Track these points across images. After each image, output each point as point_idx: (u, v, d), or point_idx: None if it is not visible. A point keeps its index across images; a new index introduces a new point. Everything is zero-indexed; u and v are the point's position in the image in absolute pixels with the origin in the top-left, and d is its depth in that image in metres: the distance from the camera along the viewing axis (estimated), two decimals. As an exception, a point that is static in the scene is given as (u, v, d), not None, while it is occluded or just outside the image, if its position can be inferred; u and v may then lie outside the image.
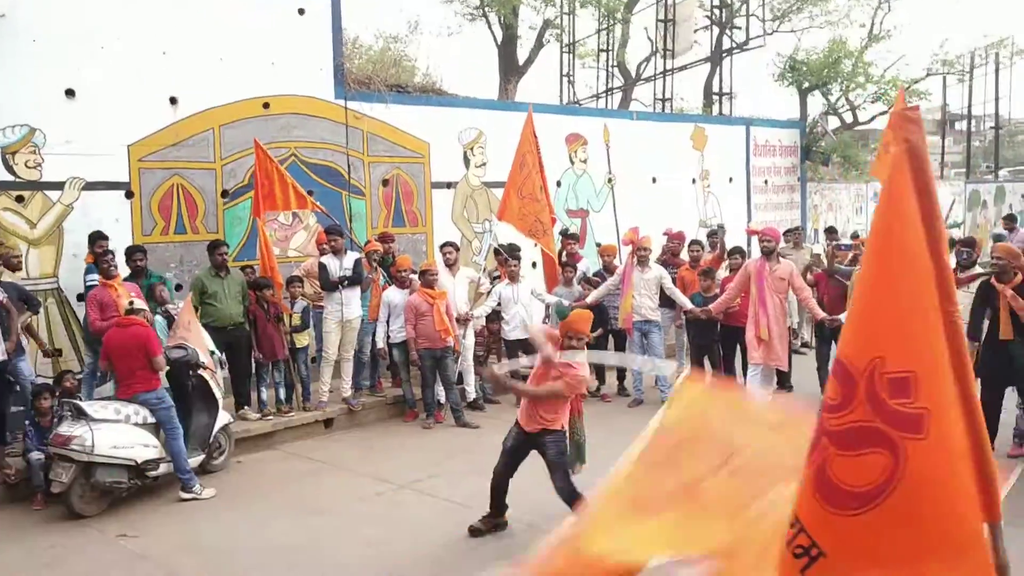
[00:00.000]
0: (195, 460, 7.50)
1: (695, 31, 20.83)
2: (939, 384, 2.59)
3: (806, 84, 23.80)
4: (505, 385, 6.22)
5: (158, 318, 8.25)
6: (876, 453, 2.65)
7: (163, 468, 7.16)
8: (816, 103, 25.24)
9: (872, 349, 2.69)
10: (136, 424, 7.02)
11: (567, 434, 6.13)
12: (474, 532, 6.15)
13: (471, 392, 10.03)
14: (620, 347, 10.74)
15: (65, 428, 6.73)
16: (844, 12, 23.75)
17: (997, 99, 25.63)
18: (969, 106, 26.69)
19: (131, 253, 8.44)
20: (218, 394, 7.88)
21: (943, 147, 31.21)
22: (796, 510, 2.82)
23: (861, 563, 2.73)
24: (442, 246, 10.15)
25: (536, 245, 10.64)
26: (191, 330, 7.80)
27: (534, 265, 11.87)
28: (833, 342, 9.19)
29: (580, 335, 5.87)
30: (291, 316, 9.11)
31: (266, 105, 10.12)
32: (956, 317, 2.61)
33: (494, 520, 6.23)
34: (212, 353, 8.03)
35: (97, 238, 8.37)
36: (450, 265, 9.91)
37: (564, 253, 11.10)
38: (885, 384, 2.63)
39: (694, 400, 4.09)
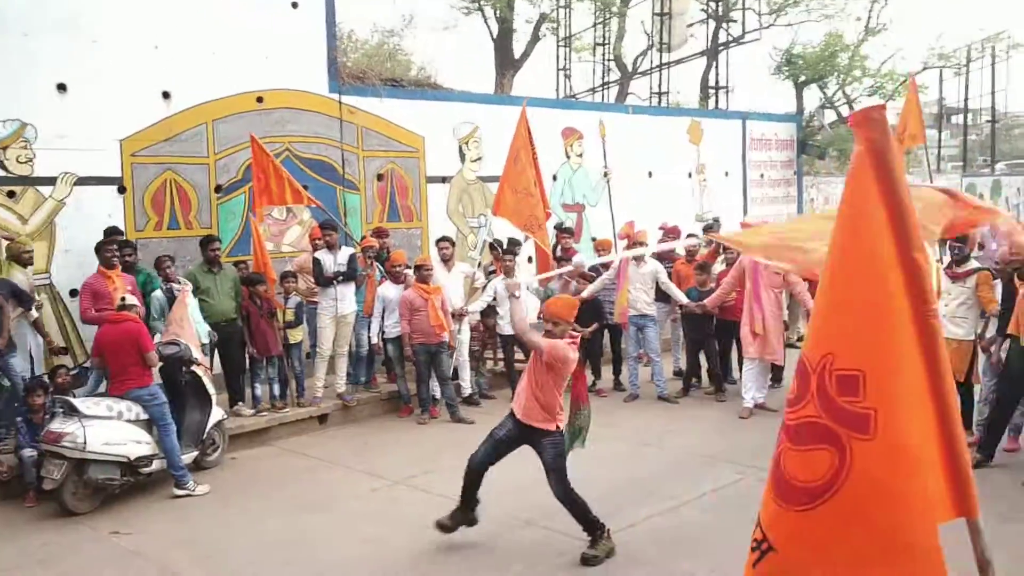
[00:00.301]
0: (188, 456, 7.46)
1: (690, 25, 20.78)
2: (890, 385, 2.57)
3: (802, 78, 23.77)
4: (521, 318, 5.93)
5: (158, 293, 8.20)
6: (823, 449, 2.66)
7: (156, 465, 7.13)
8: (812, 97, 25.24)
9: (825, 345, 2.70)
10: (129, 421, 6.98)
11: (569, 421, 5.91)
12: (442, 527, 5.79)
13: (466, 387, 10.00)
14: (616, 341, 10.73)
15: (57, 425, 6.68)
16: (841, 5, 23.73)
17: (993, 93, 25.59)
18: (965, 100, 26.65)
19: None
20: (211, 390, 7.84)
21: (940, 140, 31.19)
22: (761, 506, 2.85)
23: (808, 560, 2.74)
24: (438, 241, 10.12)
25: (527, 239, 10.58)
26: (184, 326, 7.76)
27: (530, 260, 11.83)
28: None
29: (559, 320, 5.70)
30: (285, 312, 9.07)
31: (260, 99, 10.07)
32: (930, 316, 2.58)
33: (464, 515, 5.83)
34: (204, 346, 8.00)
35: (112, 233, 8.38)
36: (446, 260, 9.87)
37: (559, 248, 11.06)
38: (834, 381, 2.64)
39: None
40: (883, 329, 2.58)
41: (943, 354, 2.58)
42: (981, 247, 8.44)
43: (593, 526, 5.59)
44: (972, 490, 2.62)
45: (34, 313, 7.90)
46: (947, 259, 8.00)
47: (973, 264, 7.72)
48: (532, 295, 10.17)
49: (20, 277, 7.78)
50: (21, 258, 7.94)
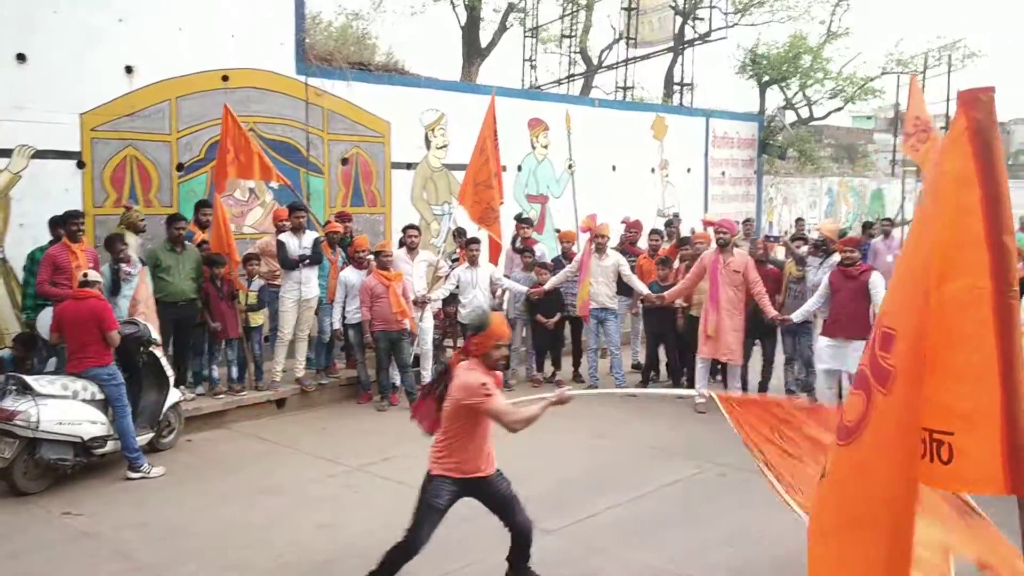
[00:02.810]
0: (144, 438, 7.37)
1: (652, 20, 20.86)
2: (913, 350, 2.72)
3: (766, 78, 24.02)
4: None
5: (104, 270, 8.04)
6: (858, 394, 2.97)
7: (111, 446, 7.01)
8: (775, 97, 25.52)
9: (886, 303, 3.06)
10: (84, 400, 6.86)
11: None
12: None
13: (427, 375, 9.98)
14: (577, 334, 10.79)
15: (9, 403, 6.54)
16: (804, 7, 24.01)
17: (948, 100, 26.01)
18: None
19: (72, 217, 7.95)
20: (169, 371, 7.75)
21: (895, 145, 31.71)
22: None
23: (839, 493, 3.06)
24: (406, 228, 10.06)
25: (479, 229, 10.51)
26: (150, 306, 7.65)
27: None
28: (799, 336, 9.30)
29: (506, 342, 4.87)
30: (247, 294, 8.97)
31: (225, 78, 9.93)
32: (1011, 297, 2.64)
33: None
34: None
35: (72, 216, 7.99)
36: (412, 248, 9.83)
37: (518, 239, 11.05)
38: (879, 335, 2.90)
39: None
40: (924, 296, 2.69)
41: (1018, 336, 2.64)
42: None
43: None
44: None
45: None
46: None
47: None
48: (518, 284, 10.22)
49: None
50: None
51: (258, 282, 9.09)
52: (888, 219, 14.28)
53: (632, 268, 10.19)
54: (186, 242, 8.66)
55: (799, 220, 14.34)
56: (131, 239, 8.30)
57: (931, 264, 2.67)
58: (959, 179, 2.66)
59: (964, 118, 2.67)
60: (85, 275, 6.98)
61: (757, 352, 9.79)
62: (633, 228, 11.36)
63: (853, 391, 3.03)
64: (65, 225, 7.85)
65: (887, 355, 2.80)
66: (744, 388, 9.59)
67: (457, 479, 4.73)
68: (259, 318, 9.10)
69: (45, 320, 7.51)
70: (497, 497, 4.85)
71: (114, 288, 8.02)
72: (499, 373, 5.03)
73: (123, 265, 8.07)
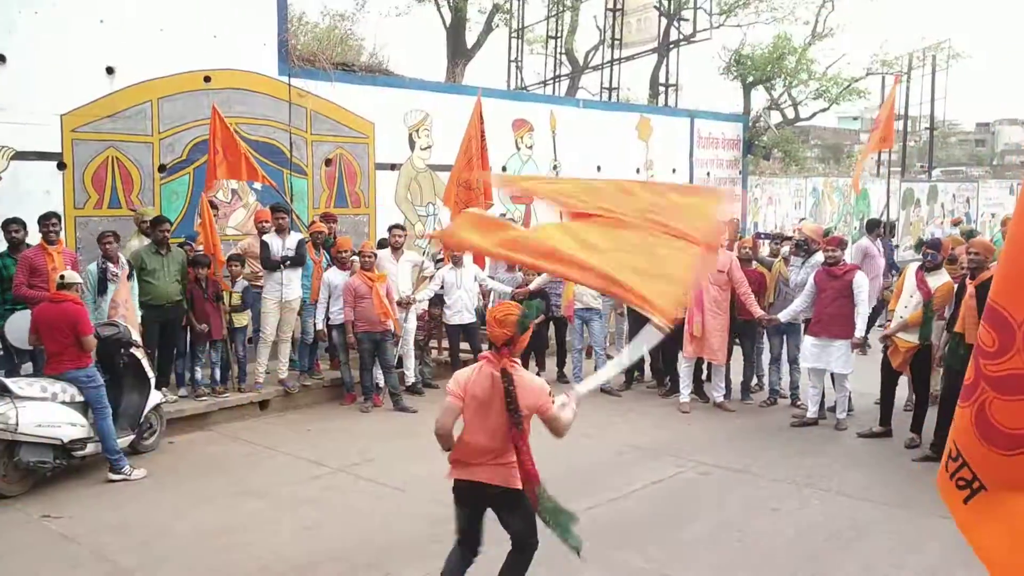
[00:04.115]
0: (125, 440, 7.32)
1: (638, 20, 20.90)
2: None
3: (750, 78, 24.12)
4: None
5: (92, 268, 8.00)
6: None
7: (91, 448, 6.97)
8: (760, 98, 25.64)
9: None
10: (63, 402, 6.82)
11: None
12: None
13: (410, 376, 9.98)
14: (561, 334, 10.79)
15: (-13, 405, 6.50)
16: (789, 8, 24.14)
17: (933, 101, 26.21)
18: (906, 107, 27.29)
19: (45, 219, 7.88)
20: (150, 373, 7.71)
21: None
22: (956, 445, 3.02)
23: (1019, 501, 2.91)
24: (391, 228, 10.04)
25: None
26: (129, 308, 7.60)
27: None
28: (786, 336, 9.32)
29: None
30: (231, 295, 8.95)
31: (207, 79, 9.89)
32: None
33: None
34: None
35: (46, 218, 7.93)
36: (397, 248, 9.81)
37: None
38: None
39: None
40: None
41: None
42: (951, 260, 8.62)
43: None
44: None
45: None
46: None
47: (944, 276, 7.93)
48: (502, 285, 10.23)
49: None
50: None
51: (241, 283, 9.06)
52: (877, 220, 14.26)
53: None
54: (170, 244, 8.64)
55: (803, 219, 14.30)
56: (135, 240, 8.56)
57: None
58: None
59: None
60: (62, 277, 6.92)
61: (738, 351, 9.82)
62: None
63: (1016, 399, 2.86)
64: (39, 227, 7.79)
65: None
66: (728, 388, 9.62)
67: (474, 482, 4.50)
68: (243, 319, 9.07)
69: (14, 324, 7.45)
70: (513, 522, 4.61)
71: (101, 288, 7.98)
72: None
73: (110, 265, 8.03)
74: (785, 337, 9.33)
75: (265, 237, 9.16)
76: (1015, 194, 28.07)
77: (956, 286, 7.67)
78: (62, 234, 8.19)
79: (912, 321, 7.78)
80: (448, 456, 4.51)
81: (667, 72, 20.58)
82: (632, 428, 8.67)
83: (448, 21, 22.32)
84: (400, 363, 9.78)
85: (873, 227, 12.72)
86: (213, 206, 9.22)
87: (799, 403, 9.19)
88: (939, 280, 7.85)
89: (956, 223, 18.14)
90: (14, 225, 7.89)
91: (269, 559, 5.55)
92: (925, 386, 8.05)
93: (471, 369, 4.53)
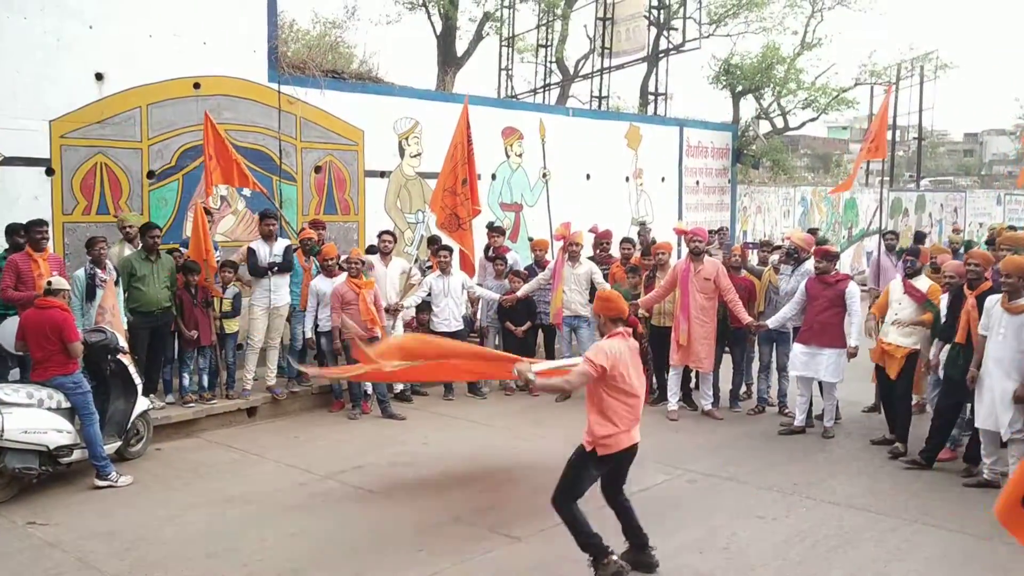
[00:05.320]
0: (112, 447, 7.30)
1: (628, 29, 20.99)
2: None
3: (740, 88, 24.23)
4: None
5: (79, 273, 7.95)
6: None
7: (77, 455, 6.95)
8: (749, 107, 25.74)
9: None
10: (50, 409, 6.79)
11: None
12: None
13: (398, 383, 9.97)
14: (550, 342, 10.81)
15: (-27, 411, 6.47)
16: (778, 19, 24.27)
17: (921, 111, 26.37)
18: (895, 117, 27.46)
19: (33, 226, 7.83)
20: (137, 379, 7.69)
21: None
22: None
23: None
24: (380, 234, 10.04)
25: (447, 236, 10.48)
26: (115, 315, 7.58)
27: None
28: (776, 344, 9.36)
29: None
30: (222, 301, 8.93)
31: (197, 85, 9.89)
32: None
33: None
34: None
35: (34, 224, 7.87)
36: (386, 254, 9.81)
37: (490, 248, 11.06)
38: None
39: None
40: None
41: None
42: (935, 268, 8.72)
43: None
44: None
45: None
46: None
47: (926, 281, 8.07)
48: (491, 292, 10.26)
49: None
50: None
51: (233, 289, 9.05)
52: (894, 232, 14.09)
53: (605, 275, 10.22)
54: (159, 251, 8.63)
55: (814, 230, 14.31)
56: (119, 247, 8.54)
57: None
58: None
59: None
60: (49, 283, 6.90)
61: (727, 360, 9.84)
62: (602, 238, 11.31)
63: None
64: (28, 233, 7.77)
65: None
66: (716, 396, 9.64)
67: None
68: (234, 325, 9.06)
69: (5, 330, 7.43)
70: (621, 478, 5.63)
71: (89, 293, 7.95)
72: None
73: (98, 271, 8.00)
74: (775, 345, 9.37)
75: (252, 244, 9.16)
76: (1002, 204, 28.31)
77: (945, 295, 7.75)
78: (50, 243, 8.16)
79: (927, 321, 7.88)
80: (605, 431, 5.36)
81: (657, 81, 20.68)
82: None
83: (439, 29, 22.36)
84: (389, 370, 9.75)
85: (921, 239, 13.09)
86: (207, 212, 9.22)
87: (787, 411, 9.23)
88: (923, 285, 8.07)
89: (957, 231, 18.39)
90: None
91: (255, 566, 5.53)
92: (908, 394, 8.10)
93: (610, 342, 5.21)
